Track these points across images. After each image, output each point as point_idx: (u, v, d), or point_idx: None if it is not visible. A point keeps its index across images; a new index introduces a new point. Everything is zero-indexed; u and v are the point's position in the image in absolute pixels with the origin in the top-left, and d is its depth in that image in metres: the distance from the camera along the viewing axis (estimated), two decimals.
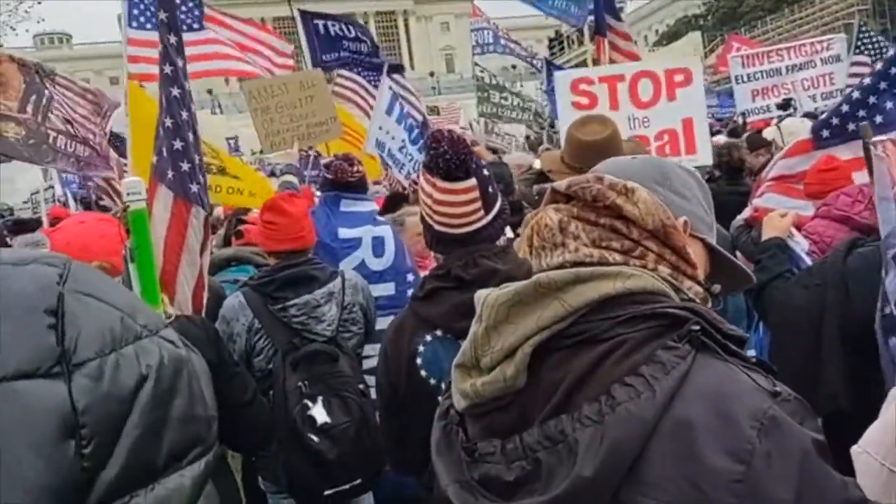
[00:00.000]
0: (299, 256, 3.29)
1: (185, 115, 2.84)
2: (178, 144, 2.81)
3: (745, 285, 1.37)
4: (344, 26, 11.19)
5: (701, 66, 5.35)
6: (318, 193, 4.45)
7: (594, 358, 1.06)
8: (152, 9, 6.47)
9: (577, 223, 1.18)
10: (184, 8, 7.62)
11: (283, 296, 3.17)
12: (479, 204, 2.19)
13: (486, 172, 2.23)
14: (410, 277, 3.76)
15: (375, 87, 10.22)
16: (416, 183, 7.84)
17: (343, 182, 3.86)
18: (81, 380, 0.71)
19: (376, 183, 9.56)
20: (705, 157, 4.72)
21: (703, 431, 0.95)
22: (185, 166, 2.82)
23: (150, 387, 0.76)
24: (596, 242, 1.16)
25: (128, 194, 2.24)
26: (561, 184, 1.21)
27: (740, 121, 13.80)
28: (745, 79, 13.96)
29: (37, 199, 10.22)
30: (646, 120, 4.85)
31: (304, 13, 10.83)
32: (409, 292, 3.61)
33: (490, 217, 2.24)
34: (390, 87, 9.59)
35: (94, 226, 2.89)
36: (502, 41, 12.20)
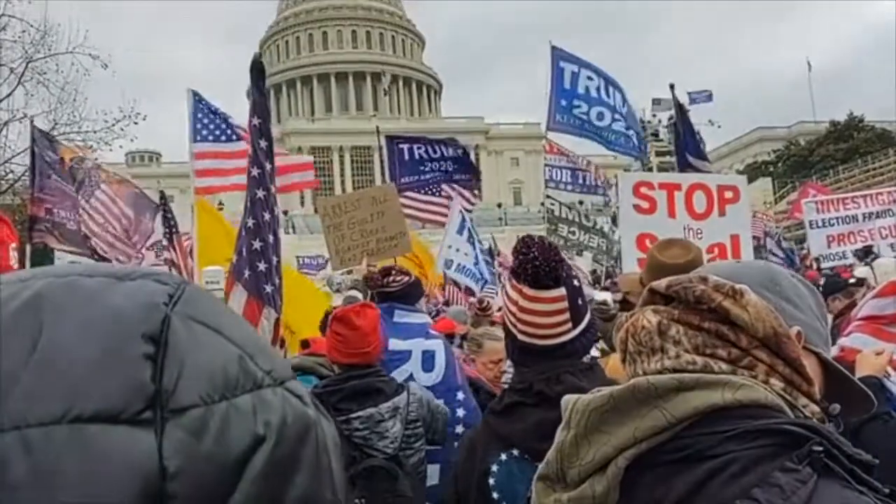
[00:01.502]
0: (365, 369, 3.23)
1: (267, 216, 2.91)
2: (257, 245, 2.85)
3: (865, 408, 1.23)
4: (429, 148, 11.52)
5: (746, 185, 5.58)
6: None
7: (699, 477, 0.94)
8: (216, 122, 6.87)
9: (678, 327, 1.08)
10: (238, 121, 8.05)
11: (347, 407, 3.09)
12: (567, 315, 2.08)
13: (576, 283, 2.13)
14: (461, 395, 3.63)
15: (437, 192, 10.47)
16: (481, 302, 7.80)
17: (384, 293, 3.82)
18: (178, 432, 0.53)
19: (437, 303, 9.58)
20: None
21: None
22: (262, 266, 2.85)
23: (267, 452, 0.56)
24: (699, 349, 1.06)
25: (206, 283, 2.25)
26: (661, 283, 1.13)
27: (814, 265, 13.52)
28: (820, 224, 13.77)
29: None
30: (699, 231, 4.96)
31: (389, 138, 11.29)
32: (459, 411, 3.48)
33: (578, 331, 2.11)
34: (461, 211, 9.81)
35: None
36: (580, 180, 12.33)
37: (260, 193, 2.96)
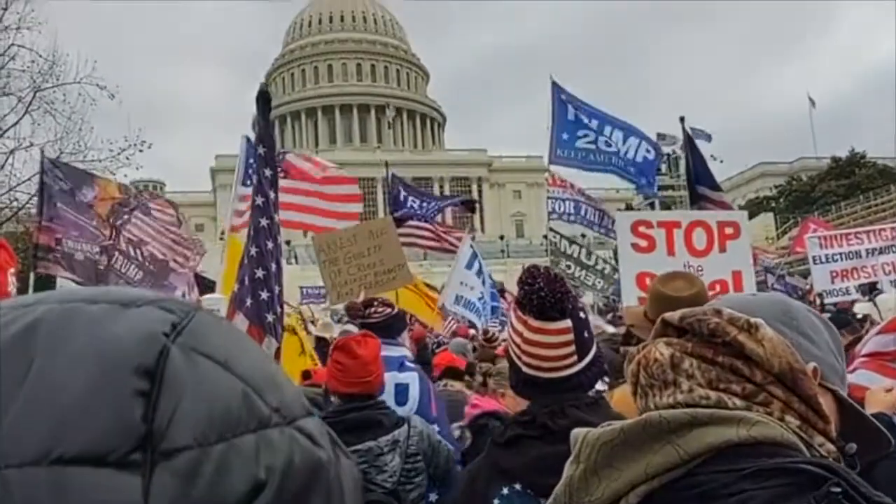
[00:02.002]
0: (366, 400, 3.18)
1: (270, 244, 2.90)
2: (260, 273, 2.84)
3: (882, 448, 1.20)
4: (424, 201, 11.74)
5: (746, 220, 5.61)
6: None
7: None
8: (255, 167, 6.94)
9: (691, 360, 1.06)
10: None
11: (345, 440, 3.03)
12: (572, 348, 2.04)
13: (582, 315, 2.10)
14: (435, 428, 3.60)
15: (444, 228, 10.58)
16: (486, 333, 7.77)
17: (365, 324, 3.80)
18: (167, 476, 0.48)
19: (437, 336, 9.57)
20: None
21: None
22: (265, 295, 2.84)
23: (269, 498, 0.51)
24: (713, 383, 1.03)
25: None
26: (674, 315, 1.11)
27: (817, 301, 13.48)
28: (823, 259, 13.75)
29: None
30: (700, 268, 4.92)
31: (394, 177, 11.54)
32: None
33: (584, 364, 2.08)
34: (471, 245, 9.87)
35: None
36: (583, 211, 12.35)
37: (264, 222, 2.96)
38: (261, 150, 3.09)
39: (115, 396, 0.49)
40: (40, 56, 19.54)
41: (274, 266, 2.92)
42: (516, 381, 2.14)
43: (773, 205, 62.75)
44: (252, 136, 7.26)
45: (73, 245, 8.71)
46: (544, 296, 1.97)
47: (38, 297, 0.55)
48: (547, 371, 2.05)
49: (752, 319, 1.06)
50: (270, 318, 2.86)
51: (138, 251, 8.59)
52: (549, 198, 12.39)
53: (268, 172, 3.04)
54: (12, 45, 19.47)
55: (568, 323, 2.03)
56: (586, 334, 2.09)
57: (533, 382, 2.08)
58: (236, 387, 0.53)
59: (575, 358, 2.06)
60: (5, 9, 19.31)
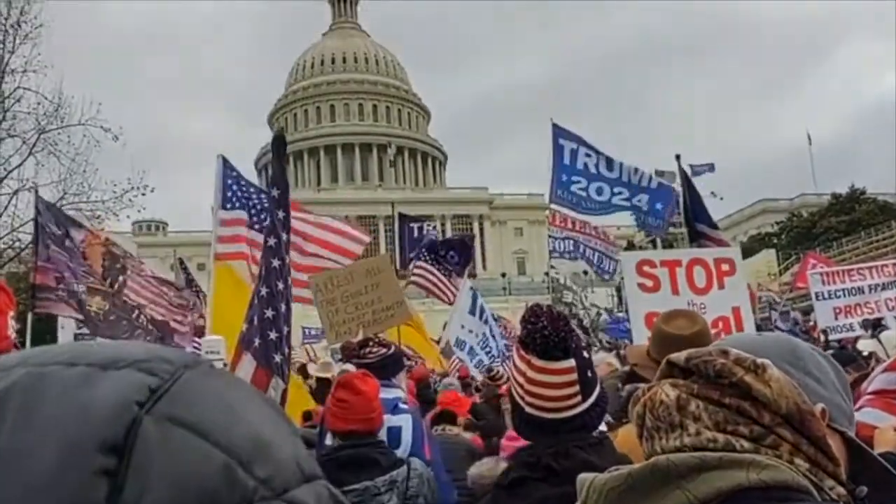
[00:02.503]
0: (366, 439, 3.15)
1: (281, 285, 2.92)
2: (269, 313, 2.86)
3: (893, 489, 1.18)
4: (426, 229, 11.88)
5: (740, 256, 5.79)
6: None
7: None
8: (244, 189, 6.87)
9: (697, 402, 1.04)
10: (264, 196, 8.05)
11: (341, 479, 3.00)
12: (576, 388, 2.02)
13: (585, 355, 2.08)
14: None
15: (448, 274, 10.58)
16: (490, 371, 7.72)
17: (360, 364, 3.77)
18: None
19: (443, 376, 9.53)
20: None
21: None
22: (273, 335, 2.85)
23: None
24: (720, 426, 1.02)
25: (206, 352, 2.22)
26: (679, 356, 1.09)
27: (822, 338, 13.42)
28: (826, 295, 13.71)
29: None
30: (703, 306, 5.03)
31: (402, 216, 11.67)
32: None
33: (587, 404, 2.05)
34: (471, 288, 9.87)
35: None
36: (582, 248, 12.41)
37: (275, 263, 2.99)
38: (274, 192, 3.14)
39: (79, 475, 0.45)
40: (45, 98, 19.77)
41: (283, 307, 2.94)
42: (519, 421, 2.12)
43: (775, 241, 62.79)
44: (228, 160, 7.17)
45: (66, 286, 8.70)
46: (548, 335, 1.95)
47: (22, 358, 0.52)
48: (550, 411, 2.03)
49: (759, 360, 1.05)
50: (278, 358, 2.86)
51: (141, 317, 8.60)
52: (549, 236, 12.46)
53: (281, 214, 3.08)
54: (18, 87, 19.72)
55: (572, 362, 2.01)
56: (590, 374, 2.08)
57: (536, 423, 2.06)
58: (216, 459, 0.49)
59: (579, 398, 2.04)
60: (12, 52, 19.62)
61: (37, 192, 9.77)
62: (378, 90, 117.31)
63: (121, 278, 8.55)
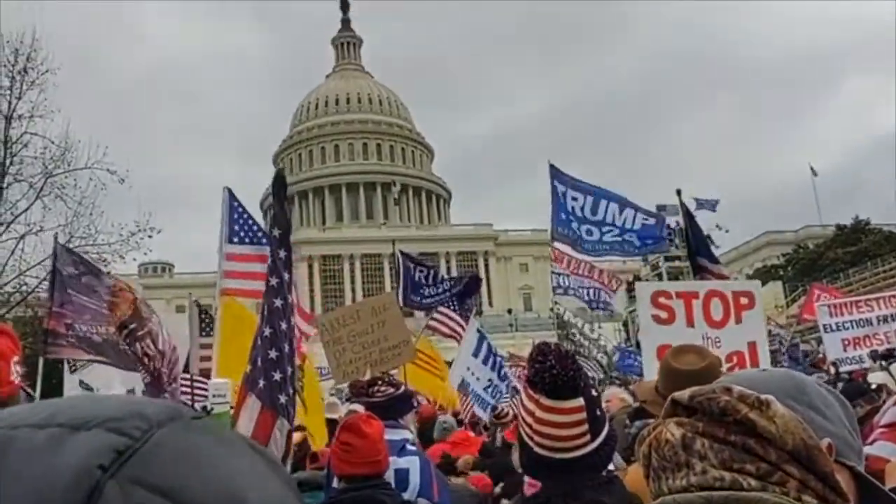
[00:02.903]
0: (372, 481, 3.12)
1: (283, 325, 2.93)
2: (273, 354, 2.87)
3: None
4: (430, 273, 11.83)
5: (760, 290, 5.67)
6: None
7: None
8: (250, 223, 6.86)
9: (703, 440, 1.03)
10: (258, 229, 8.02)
11: None
12: (585, 427, 1.99)
13: (594, 393, 2.06)
14: None
15: (465, 316, 10.60)
16: (496, 409, 7.67)
17: (368, 404, 3.75)
18: None
19: (455, 414, 9.47)
20: None
21: None
22: (277, 376, 2.85)
23: None
24: (726, 464, 1.01)
25: (213, 396, 2.23)
26: (683, 394, 1.09)
27: (832, 370, 13.31)
28: (834, 327, 13.62)
29: None
30: (718, 340, 4.96)
31: (404, 254, 11.63)
32: None
33: (597, 443, 2.03)
34: (478, 330, 9.85)
35: None
36: (585, 284, 12.47)
37: (277, 302, 3.01)
38: (276, 233, 3.16)
39: None
40: (52, 143, 19.97)
41: (287, 347, 2.94)
42: (527, 461, 2.09)
43: (781, 273, 62.62)
44: (236, 196, 7.12)
45: (88, 329, 8.69)
46: (556, 373, 1.93)
47: None
48: (560, 451, 2.00)
49: (763, 396, 1.04)
50: (283, 399, 2.86)
51: (145, 359, 8.66)
52: (552, 272, 12.52)
53: (282, 254, 3.10)
54: (25, 132, 19.94)
55: (581, 401, 1.99)
56: (598, 412, 2.06)
57: (545, 463, 2.03)
58: None
59: (588, 438, 2.01)
60: (19, 98, 19.86)
61: (56, 237, 9.85)
62: (381, 129, 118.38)
63: (139, 333, 8.57)
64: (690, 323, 5.01)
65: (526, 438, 2.06)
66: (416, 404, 8.27)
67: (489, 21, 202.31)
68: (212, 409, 2.25)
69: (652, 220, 11.44)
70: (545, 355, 1.97)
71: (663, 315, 5.03)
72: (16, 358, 1.93)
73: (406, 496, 3.49)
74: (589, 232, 11.09)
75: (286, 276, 3.08)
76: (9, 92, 19.72)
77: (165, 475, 0.48)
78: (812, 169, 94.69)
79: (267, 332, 2.96)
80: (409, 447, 3.79)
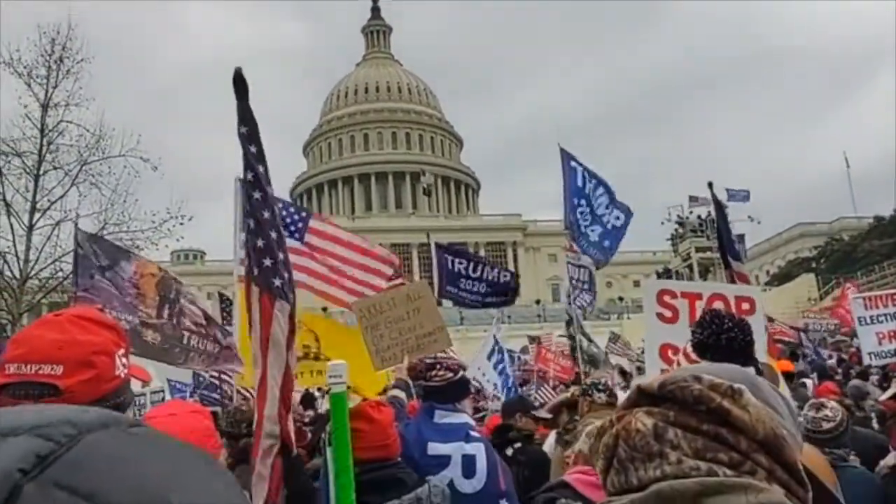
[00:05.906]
0: (387, 463, 3.16)
1: (266, 214, 3.07)
2: (260, 243, 3.01)
3: None
4: (470, 265, 11.50)
5: (761, 296, 5.63)
6: None
7: None
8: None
9: (675, 430, 1.02)
10: (287, 217, 8.05)
11: (368, 500, 3.00)
12: None
13: (760, 367, 1.89)
14: (504, 503, 3.48)
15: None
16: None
17: (426, 387, 3.76)
18: None
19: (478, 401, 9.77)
20: None
21: None
22: (268, 262, 2.99)
23: None
24: (699, 453, 1.00)
25: (329, 377, 2.29)
26: (652, 383, 1.08)
27: (863, 363, 13.12)
28: (869, 321, 13.41)
29: (141, 402, 10.16)
30: None
31: (438, 245, 11.40)
32: None
33: None
34: (494, 336, 10.08)
35: (185, 419, 2.83)
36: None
37: (256, 195, 3.14)
38: (243, 129, 3.26)
39: None
40: (87, 131, 20.26)
41: (274, 234, 3.08)
42: None
43: (814, 265, 61.68)
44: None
45: (117, 315, 8.77)
46: (734, 336, 1.79)
47: None
48: None
49: (735, 385, 1.03)
50: (278, 282, 2.99)
51: (191, 341, 8.71)
52: (568, 263, 12.22)
53: (253, 149, 3.23)
54: (61, 121, 20.25)
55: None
56: None
57: None
58: None
59: None
60: (55, 87, 20.16)
61: (76, 224, 9.96)
62: (411, 118, 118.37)
63: (176, 307, 8.65)
64: (692, 323, 5.02)
65: None
66: (472, 390, 8.36)
67: (520, 9, 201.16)
68: (329, 389, 2.32)
69: (620, 221, 11.03)
70: (721, 318, 1.83)
71: (667, 314, 5.01)
72: (121, 351, 1.93)
73: (473, 482, 3.46)
74: (585, 217, 10.69)
75: (260, 168, 3.18)
76: (45, 80, 20.05)
77: (89, 479, 0.49)
78: (847, 160, 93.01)
79: (251, 224, 3.11)
80: (473, 433, 3.73)
